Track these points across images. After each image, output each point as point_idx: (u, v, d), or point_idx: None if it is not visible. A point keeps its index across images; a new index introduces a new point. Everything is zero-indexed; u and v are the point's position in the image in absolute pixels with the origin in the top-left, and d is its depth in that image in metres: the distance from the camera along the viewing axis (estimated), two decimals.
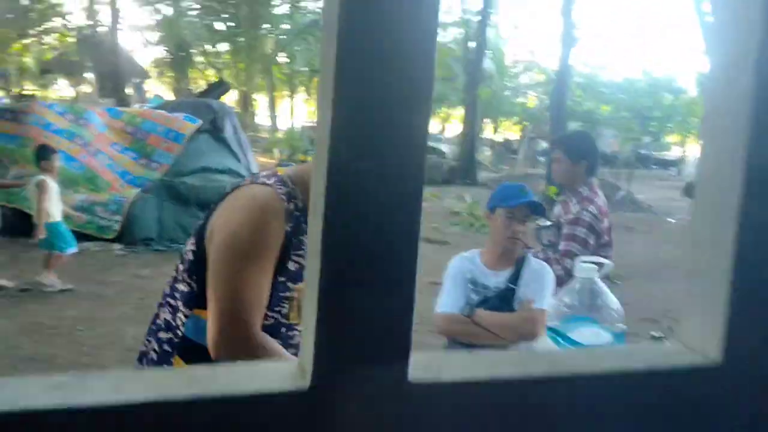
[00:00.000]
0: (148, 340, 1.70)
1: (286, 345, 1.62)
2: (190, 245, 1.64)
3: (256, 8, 21.84)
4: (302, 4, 25.32)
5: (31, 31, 23.75)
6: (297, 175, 1.67)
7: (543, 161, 21.96)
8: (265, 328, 1.55)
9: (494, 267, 2.82)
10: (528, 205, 2.77)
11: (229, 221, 1.55)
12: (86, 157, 8.32)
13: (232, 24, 22.71)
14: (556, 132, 14.62)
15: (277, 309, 1.59)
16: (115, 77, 21.86)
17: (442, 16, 26.64)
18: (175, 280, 1.66)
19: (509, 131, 39.03)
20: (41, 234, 5.95)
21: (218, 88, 11.55)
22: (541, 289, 2.73)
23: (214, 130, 8.90)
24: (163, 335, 1.65)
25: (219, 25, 24.71)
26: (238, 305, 1.49)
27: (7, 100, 20.55)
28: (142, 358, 1.70)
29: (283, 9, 25.30)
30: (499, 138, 36.28)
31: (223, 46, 27.74)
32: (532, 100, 29.64)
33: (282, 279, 1.58)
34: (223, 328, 1.48)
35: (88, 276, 6.83)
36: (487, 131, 38.19)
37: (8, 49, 24.27)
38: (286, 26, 23.73)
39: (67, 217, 6.64)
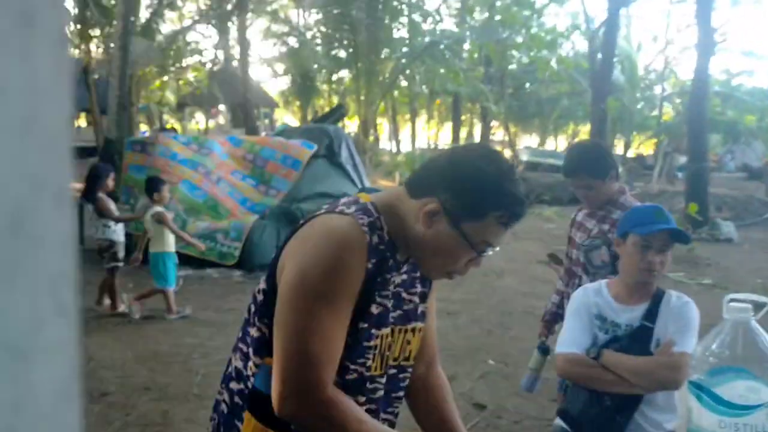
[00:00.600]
0: (222, 387, 1.49)
1: (369, 400, 1.37)
2: (261, 284, 1.40)
3: (375, 33, 22.10)
4: (422, 26, 25.40)
5: (169, 69, 25.37)
6: (383, 202, 1.40)
7: (681, 177, 20.54)
8: (348, 383, 1.33)
9: (626, 301, 2.40)
10: (665, 231, 2.32)
11: (300, 258, 1.30)
12: (208, 186, 8.54)
13: (352, 51, 23.11)
14: (696, 146, 13.52)
15: (360, 361, 1.34)
16: (245, 108, 22.78)
17: (565, 26, 25.80)
18: (247, 323, 1.43)
19: (643, 146, 37.06)
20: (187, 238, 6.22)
21: (335, 112, 11.62)
22: (684, 330, 2.29)
23: (329, 154, 8.90)
24: (234, 385, 1.43)
25: (341, 53, 25.26)
26: (306, 358, 1.25)
27: (149, 133, 21.98)
28: (217, 407, 1.49)
29: (402, 33, 25.47)
30: (631, 154, 34.53)
31: (345, 73, 28.36)
32: (667, 112, 27.93)
33: (364, 325, 1.32)
34: (288, 383, 1.25)
35: (207, 303, 6.91)
36: (618, 147, 36.51)
37: (150, 86, 26.03)
38: (405, 50, 23.83)
39: (188, 245, 6.77)
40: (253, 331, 1.40)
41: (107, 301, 6.55)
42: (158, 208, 6.13)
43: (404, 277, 1.44)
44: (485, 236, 1.34)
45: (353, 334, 1.32)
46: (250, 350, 1.40)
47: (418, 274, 1.48)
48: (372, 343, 1.36)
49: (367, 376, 1.37)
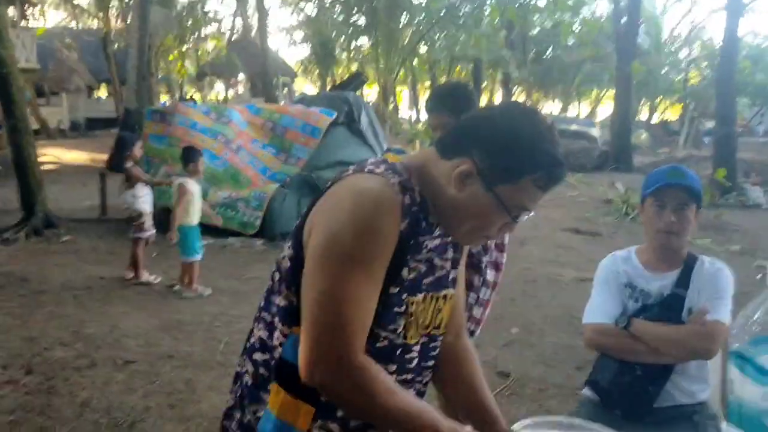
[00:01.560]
0: (243, 359, 1.44)
1: (403, 370, 1.32)
2: (287, 250, 1.33)
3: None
4: None
5: (188, 38, 25.31)
6: (413, 163, 1.33)
7: (708, 143, 20.18)
8: (378, 351, 1.27)
9: (656, 268, 2.32)
10: (680, 188, 2.22)
11: (330, 220, 1.23)
12: (229, 155, 8.51)
13: (371, 17, 22.80)
14: (724, 110, 13.21)
15: (391, 327, 1.28)
16: (264, 77, 22.68)
17: None
18: (271, 291, 1.37)
19: (668, 112, 36.46)
20: (173, 237, 6.05)
21: (355, 80, 11.51)
22: (718, 297, 2.21)
23: (349, 122, 8.81)
24: (258, 356, 1.37)
25: (360, 20, 24.94)
26: (337, 323, 1.20)
27: (169, 103, 22.00)
28: (238, 379, 1.44)
29: None
30: (656, 119, 33.94)
31: (364, 40, 28.06)
32: (694, 76, 27.32)
33: (395, 290, 1.26)
34: (317, 349, 1.20)
35: (229, 272, 6.92)
36: (643, 113, 35.92)
37: (169, 56, 26.03)
38: (424, 15, 23.47)
39: (205, 216, 6.74)
40: (279, 300, 1.34)
41: (146, 274, 6.55)
42: (181, 180, 6.09)
43: (437, 241, 1.37)
44: (521, 200, 1.26)
45: (383, 299, 1.26)
46: (276, 319, 1.34)
47: (450, 239, 1.41)
48: (404, 309, 1.30)
49: (400, 344, 1.32)
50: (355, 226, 1.20)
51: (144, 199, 6.47)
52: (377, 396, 1.22)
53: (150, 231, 6.58)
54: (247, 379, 1.40)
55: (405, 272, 1.28)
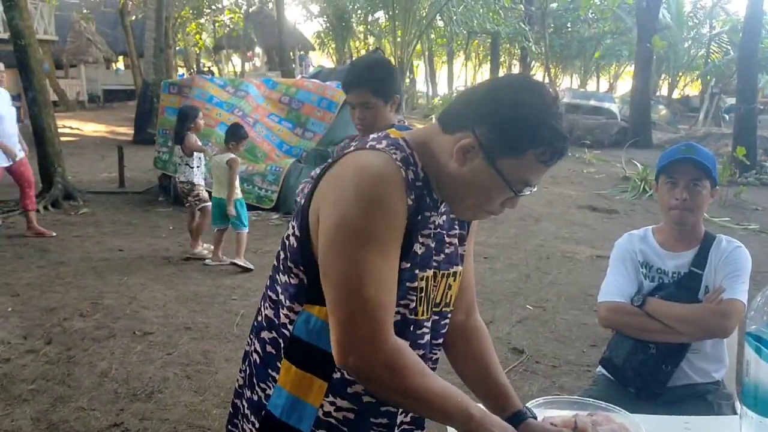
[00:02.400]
0: (250, 338, 1.45)
1: (415, 345, 1.32)
2: (291, 230, 1.33)
3: None
4: None
5: (205, 11, 25.20)
6: (415, 138, 1.31)
7: (728, 120, 19.89)
8: (392, 326, 1.25)
9: (673, 248, 2.31)
10: (691, 163, 2.19)
11: (337, 201, 1.21)
12: (245, 129, 8.50)
13: None
14: (746, 86, 12.99)
15: (403, 302, 1.28)
16: (280, 50, 22.56)
17: None
18: (276, 270, 1.37)
19: (689, 87, 35.92)
20: (233, 212, 6.09)
21: (371, 55, 11.40)
22: (735, 276, 2.20)
23: None
24: (266, 335, 1.38)
25: None
26: (362, 305, 1.19)
27: (186, 76, 21.99)
28: (246, 358, 1.46)
29: None
30: (676, 95, 33.47)
31: (380, 14, 27.77)
32: (715, 52, 26.84)
33: (407, 265, 1.26)
34: (348, 334, 1.20)
35: (245, 245, 6.96)
36: (663, 88, 35.41)
37: (186, 29, 25.95)
38: None
39: None
40: (286, 278, 1.33)
41: (200, 247, 6.54)
42: (232, 155, 6.13)
43: (444, 218, 1.37)
44: (523, 174, 1.24)
45: (398, 275, 1.25)
46: (282, 297, 1.34)
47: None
48: (415, 284, 1.30)
49: (412, 319, 1.32)
50: (362, 204, 1.19)
51: (195, 171, 6.46)
52: (410, 378, 1.22)
53: (208, 201, 6.51)
54: (255, 357, 1.41)
55: (416, 247, 1.28)
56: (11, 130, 6.67)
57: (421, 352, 1.35)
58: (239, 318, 4.86)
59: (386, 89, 2.56)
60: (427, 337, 1.37)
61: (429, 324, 1.37)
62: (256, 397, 1.38)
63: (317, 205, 1.26)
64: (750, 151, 11.84)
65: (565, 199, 9.95)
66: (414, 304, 1.30)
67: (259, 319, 1.42)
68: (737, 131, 12.91)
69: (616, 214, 9.05)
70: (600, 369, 2.41)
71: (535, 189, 1.30)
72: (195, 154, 6.43)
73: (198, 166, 6.49)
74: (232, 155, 6.10)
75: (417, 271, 1.29)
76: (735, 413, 2.15)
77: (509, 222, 8.41)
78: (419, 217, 1.27)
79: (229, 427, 1.51)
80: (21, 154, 6.83)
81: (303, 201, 1.32)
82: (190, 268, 6.18)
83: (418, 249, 1.29)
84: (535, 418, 1.48)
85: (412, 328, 1.32)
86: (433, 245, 1.34)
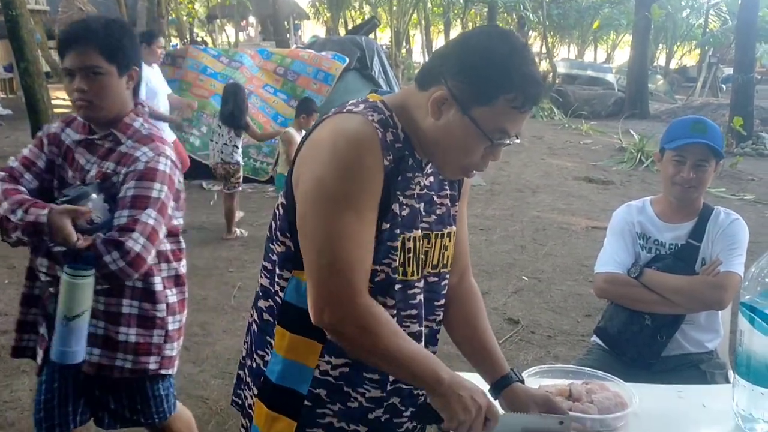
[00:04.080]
0: (252, 310, 1.49)
1: (407, 305, 1.35)
2: (280, 199, 1.36)
3: None
4: None
5: None
6: (393, 100, 1.33)
7: (726, 90, 19.82)
8: (376, 285, 1.29)
9: (671, 219, 2.32)
10: (702, 145, 2.19)
11: (314, 164, 1.24)
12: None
13: None
14: (744, 56, 12.91)
15: (386, 262, 1.30)
16: (275, 19, 22.32)
17: None
18: (269, 240, 1.40)
19: (686, 57, 35.71)
20: None
21: (367, 24, 11.29)
22: (732, 248, 2.22)
23: (361, 67, 8.68)
24: (262, 303, 1.42)
25: None
26: (336, 264, 1.22)
27: (179, 46, 21.74)
28: (249, 330, 1.49)
29: None
30: (674, 65, 33.29)
31: None
32: (713, 21, 26.62)
33: (386, 226, 1.28)
34: (322, 292, 1.23)
35: (242, 218, 6.96)
36: (660, 58, 35.20)
37: None
38: None
39: None
40: (277, 247, 1.36)
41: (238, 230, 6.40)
42: (289, 129, 6.09)
43: (431, 179, 1.39)
44: (498, 122, 1.25)
45: (377, 234, 1.27)
46: (276, 266, 1.37)
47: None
48: (396, 244, 1.31)
49: (399, 279, 1.33)
50: (337, 166, 1.21)
51: (240, 152, 6.31)
52: (382, 337, 1.25)
53: (241, 185, 6.44)
54: (254, 327, 1.44)
55: (396, 208, 1.29)
56: (165, 107, 6.32)
57: (415, 312, 1.37)
58: (236, 290, 4.88)
59: (123, 54, 1.93)
60: (420, 297, 1.39)
61: (421, 284, 1.39)
62: (255, 365, 1.42)
63: (298, 171, 1.29)
64: (747, 122, 11.81)
65: (562, 171, 9.94)
66: (397, 263, 1.31)
67: (257, 289, 1.45)
68: (734, 101, 12.86)
69: (612, 185, 9.06)
70: (594, 338, 2.43)
71: (518, 140, 1.30)
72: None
73: (241, 147, 6.35)
74: (290, 129, 6.09)
75: (398, 231, 1.30)
76: (728, 382, 2.18)
77: (506, 194, 8.41)
78: (399, 178, 1.29)
79: (233, 397, 1.55)
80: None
81: (289, 169, 1.34)
82: (186, 240, 6.11)
83: (399, 210, 1.30)
84: (522, 381, 1.50)
85: (400, 288, 1.34)
86: (419, 206, 1.35)
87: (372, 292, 1.28)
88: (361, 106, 1.30)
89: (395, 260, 1.31)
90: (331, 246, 1.22)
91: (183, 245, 2.05)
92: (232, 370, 3.64)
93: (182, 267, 2.09)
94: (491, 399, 1.34)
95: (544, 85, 1.28)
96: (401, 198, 1.30)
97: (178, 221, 2.06)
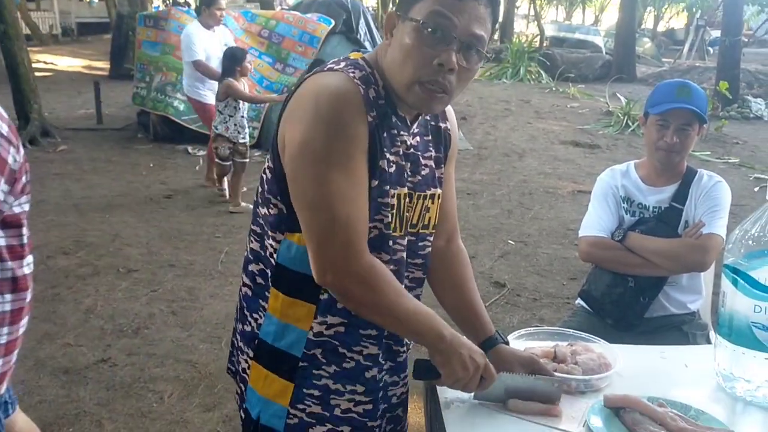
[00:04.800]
0: (242, 276, 1.48)
1: (390, 262, 1.35)
2: (268, 162, 1.36)
3: None
4: None
5: None
6: (373, 56, 1.33)
7: (713, 53, 19.79)
8: (370, 241, 1.29)
9: (654, 182, 2.34)
10: (685, 110, 2.20)
11: (297, 125, 1.24)
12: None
13: None
14: (731, 18, 12.87)
15: (378, 218, 1.30)
16: None
17: None
18: (257, 204, 1.40)
19: (674, 20, 35.53)
20: None
21: None
22: (714, 211, 2.24)
23: (347, 30, 8.55)
24: (254, 267, 1.41)
25: None
26: (334, 225, 1.22)
27: (162, 8, 21.35)
28: (240, 296, 1.48)
29: None
30: (661, 28, 33.13)
31: None
32: None
33: (375, 182, 1.28)
34: (324, 254, 1.24)
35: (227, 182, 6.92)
36: (648, 21, 35.01)
37: None
38: None
39: (204, 125, 6.68)
40: (266, 210, 1.36)
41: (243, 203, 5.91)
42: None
43: (417, 139, 1.39)
44: (431, 6, 1.22)
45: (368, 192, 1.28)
46: (266, 229, 1.37)
47: (430, 137, 1.44)
48: (387, 200, 1.31)
49: (387, 234, 1.33)
50: (321, 126, 1.21)
51: (224, 119, 5.80)
52: (384, 295, 1.26)
53: (245, 157, 5.99)
54: (246, 290, 1.44)
55: (384, 164, 1.29)
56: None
57: (394, 267, 1.38)
58: (223, 255, 4.87)
59: None
60: (401, 254, 1.39)
61: (404, 242, 1.39)
62: (248, 328, 1.42)
63: (283, 131, 1.29)
64: (733, 85, 11.83)
65: (549, 135, 9.94)
66: (389, 219, 1.32)
67: (246, 254, 1.45)
68: (721, 64, 12.86)
69: (599, 149, 9.08)
70: (579, 301, 2.46)
71: (456, 21, 1.22)
72: (229, 99, 5.75)
73: (231, 115, 5.80)
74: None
75: (387, 187, 1.30)
76: (709, 343, 2.22)
77: (493, 158, 8.41)
78: (384, 134, 1.29)
79: (229, 365, 1.55)
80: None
81: (274, 132, 1.33)
82: (172, 205, 6.15)
83: (387, 166, 1.30)
84: (507, 343, 1.54)
85: (390, 243, 1.34)
86: (406, 165, 1.36)
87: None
88: (342, 64, 1.30)
89: (387, 216, 1.31)
90: (326, 207, 1.22)
91: (26, 239, 1.50)
92: (220, 334, 3.67)
93: (24, 267, 1.52)
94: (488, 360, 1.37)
95: None
96: (387, 155, 1.30)
97: (20, 208, 1.47)
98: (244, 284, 1.45)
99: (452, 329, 1.33)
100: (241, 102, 5.89)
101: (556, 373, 1.50)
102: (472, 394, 1.42)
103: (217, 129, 5.86)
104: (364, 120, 1.24)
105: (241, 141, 5.94)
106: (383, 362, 1.40)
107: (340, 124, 1.21)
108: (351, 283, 1.24)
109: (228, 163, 6.02)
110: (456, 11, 1.22)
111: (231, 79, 5.70)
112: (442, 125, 1.47)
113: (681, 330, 2.29)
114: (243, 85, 5.85)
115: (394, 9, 1.29)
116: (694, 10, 24.61)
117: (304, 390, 1.35)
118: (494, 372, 1.37)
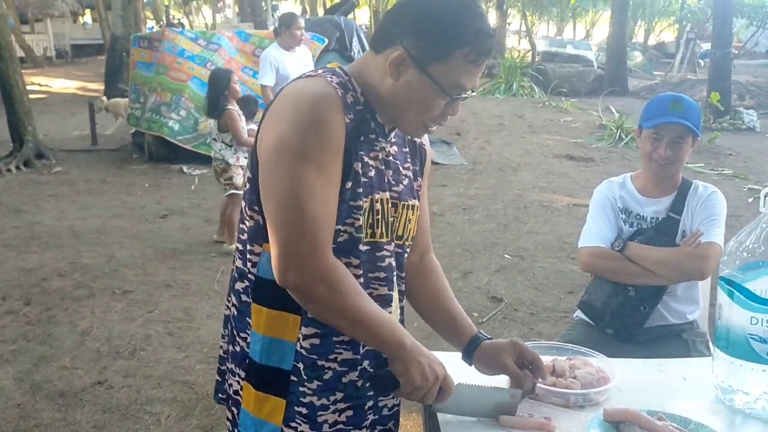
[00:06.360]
0: (228, 298, 1.47)
1: (374, 268, 1.35)
2: (247, 173, 1.36)
3: None
4: None
5: None
6: (351, 67, 1.36)
7: (704, 65, 19.93)
8: (339, 245, 1.28)
9: (651, 193, 2.35)
10: (678, 124, 2.22)
11: (275, 125, 1.26)
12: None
13: None
14: (721, 31, 12.97)
15: (348, 221, 1.30)
16: (252, 1, 22.05)
17: None
18: (241, 221, 1.40)
19: (664, 33, 35.81)
20: None
21: (346, 3, 11.17)
22: (711, 220, 2.26)
23: (341, 48, 8.61)
24: (239, 285, 1.40)
25: None
26: (300, 222, 1.21)
27: (156, 29, 21.42)
28: (227, 322, 1.47)
29: None
30: (652, 41, 33.40)
31: None
32: None
33: (349, 184, 1.28)
34: (287, 251, 1.22)
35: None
36: (639, 35, 35.29)
37: None
38: None
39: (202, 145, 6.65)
40: (246, 224, 1.36)
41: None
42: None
43: (396, 148, 1.41)
44: (455, 77, 1.28)
45: (339, 194, 1.27)
46: (246, 245, 1.36)
47: (408, 149, 1.45)
48: (360, 203, 1.30)
49: (362, 239, 1.32)
50: (299, 123, 1.22)
51: (235, 150, 5.34)
52: (349, 296, 1.25)
53: (240, 189, 5.30)
54: (233, 310, 1.43)
55: (359, 167, 1.29)
56: None
57: (384, 275, 1.38)
58: (219, 274, 4.86)
59: None
60: (390, 261, 1.39)
61: (391, 248, 1.39)
62: (238, 348, 1.40)
63: (261, 137, 1.30)
64: (724, 97, 11.90)
65: (543, 149, 9.97)
66: (361, 223, 1.31)
67: (232, 273, 1.44)
68: (712, 77, 12.94)
69: (593, 163, 9.11)
70: (578, 313, 2.46)
71: (474, 93, 1.34)
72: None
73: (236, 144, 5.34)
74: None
75: (361, 191, 1.30)
76: (709, 350, 2.22)
77: (487, 173, 8.43)
78: (362, 138, 1.30)
79: (218, 394, 1.53)
80: None
81: (253, 145, 1.34)
82: (168, 225, 6.14)
83: (364, 170, 1.31)
84: (490, 339, 1.53)
85: (365, 249, 1.33)
86: (387, 172, 1.37)
87: (335, 253, 1.28)
88: (320, 71, 1.33)
89: (358, 220, 1.31)
90: (295, 203, 1.21)
91: None
92: (217, 354, 3.64)
93: None
94: (448, 371, 1.36)
95: (494, 37, 1.32)
96: (365, 158, 1.31)
97: None
98: (232, 305, 1.43)
99: (413, 338, 1.32)
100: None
101: (554, 388, 1.50)
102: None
103: (229, 161, 5.35)
104: (342, 121, 1.25)
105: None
106: (367, 368, 1.38)
107: (317, 123, 1.22)
108: (315, 282, 1.23)
109: (239, 192, 5.27)
110: (474, 77, 1.31)
111: (232, 110, 5.26)
112: (417, 140, 1.49)
113: (681, 338, 2.29)
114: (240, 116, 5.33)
115: (405, 48, 1.27)
116: (684, 23, 24.82)
117: (295, 408, 1.34)
118: (453, 383, 1.35)
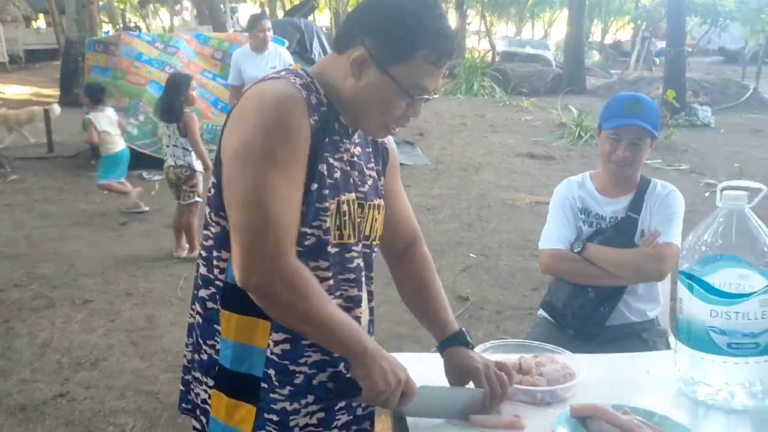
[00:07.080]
0: (192, 307, 1.44)
1: (344, 269, 1.35)
2: (212, 179, 1.35)
3: None
4: None
5: None
6: (314, 69, 1.37)
7: (659, 63, 20.34)
8: (307, 249, 1.28)
9: (610, 193, 2.38)
10: (636, 126, 2.25)
11: (238, 127, 1.25)
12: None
13: None
14: (675, 29, 13.25)
15: (315, 224, 1.29)
16: (210, 3, 21.77)
17: None
18: (206, 227, 1.38)
19: (620, 32, 36.45)
20: None
21: (306, 5, 11.12)
22: (669, 220, 2.29)
23: (301, 50, 8.58)
24: (204, 293, 1.38)
25: None
26: (264, 224, 1.20)
27: (112, 32, 21.03)
28: (191, 330, 1.45)
29: None
30: (609, 40, 33.98)
31: None
32: None
33: (315, 186, 1.27)
34: (249, 253, 1.21)
35: None
36: (596, 34, 35.86)
37: None
38: None
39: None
40: (212, 230, 1.34)
41: (185, 245, 5.37)
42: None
43: (359, 149, 1.41)
44: (416, 78, 1.29)
45: (305, 196, 1.27)
46: (213, 252, 1.34)
47: (371, 149, 1.46)
48: (326, 205, 1.29)
49: (330, 241, 1.31)
50: (263, 126, 1.22)
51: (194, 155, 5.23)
52: (312, 299, 1.24)
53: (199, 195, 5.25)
54: (198, 318, 1.41)
55: (324, 169, 1.29)
56: None
57: (353, 276, 1.37)
58: (182, 281, 4.79)
59: None
60: (358, 262, 1.39)
61: (359, 249, 1.39)
62: (205, 357, 1.38)
63: (225, 140, 1.29)
64: (679, 94, 12.15)
65: (504, 148, 10.06)
66: (329, 225, 1.31)
67: (195, 280, 1.43)
68: (667, 74, 13.20)
69: (554, 161, 9.22)
70: (541, 312, 2.48)
71: (436, 95, 1.35)
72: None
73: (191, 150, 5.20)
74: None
75: (326, 192, 1.30)
76: (669, 349, 2.25)
77: (450, 172, 8.47)
78: (326, 140, 1.30)
79: (183, 405, 1.50)
80: None
81: (217, 149, 1.33)
82: (128, 233, 6.03)
83: (329, 171, 1.30)
84: (467, 345, 1.54)
85: (333, 251, 1.33)
86: (353, 173, 1.37)
87: (303, 256, 1.27)
88: (283, 73, 1.33)
89: (326, 222, 1.30)
90: (259, 204, 1.21)
91: None
92: (181, 362, 3.58)
93: None
94: (410, 375, 1.36)
95: (456, 39, 1.34)
96: (331, 160, 1.31)
97: None
98: (196, 313, 1.41)
99: (375, 342, 1.32)
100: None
101: (521, 386, 1.51)
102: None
103: (195, 168, 5.22)
104: (307, 123, 1.25)
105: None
106: (338, 369, 1.37)
107: (281, 125, 1.22)
108: (277, 284, 1.22)
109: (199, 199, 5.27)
110: (435, 78, 1.31)
111: (189, 113, 5.20)
112: (379, 140, 1.50)
113: (641, 337, 2.32)
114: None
115: (366, 48, 1.27)
116: (639, 22, 25.28)
117: (265, 415, 1.33)
118: (415, 387, 1.36)
